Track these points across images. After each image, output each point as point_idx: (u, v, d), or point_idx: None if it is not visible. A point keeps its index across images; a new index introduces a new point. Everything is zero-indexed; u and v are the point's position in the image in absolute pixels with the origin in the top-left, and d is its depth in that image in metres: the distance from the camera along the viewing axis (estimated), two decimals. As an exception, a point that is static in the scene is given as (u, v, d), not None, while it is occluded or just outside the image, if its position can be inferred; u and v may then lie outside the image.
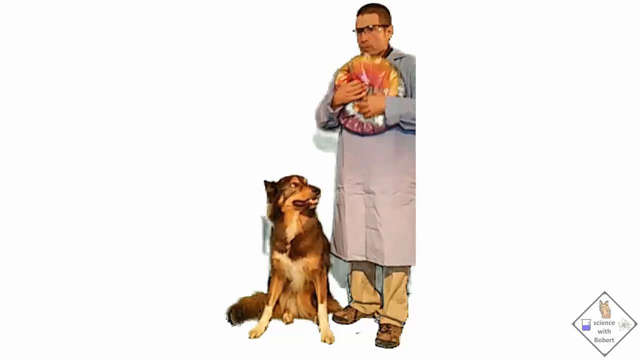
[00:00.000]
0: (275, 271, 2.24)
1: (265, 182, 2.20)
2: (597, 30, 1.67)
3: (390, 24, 2.15)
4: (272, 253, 2.23)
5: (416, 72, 1.95)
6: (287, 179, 2.16)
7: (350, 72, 2.07)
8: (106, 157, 2.26)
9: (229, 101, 2.56)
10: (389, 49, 2.19)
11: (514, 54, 1.73)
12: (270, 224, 2.23)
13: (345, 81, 2.07)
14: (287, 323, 2.30)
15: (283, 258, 2.17)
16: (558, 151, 1.70)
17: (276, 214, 2.14)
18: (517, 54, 1.73)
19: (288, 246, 2.15)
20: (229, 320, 2.24)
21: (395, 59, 2.11)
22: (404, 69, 2.06)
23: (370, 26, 2.07)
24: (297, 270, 2.18)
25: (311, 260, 2.17)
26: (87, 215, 2.18)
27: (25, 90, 2.14)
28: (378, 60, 2.02)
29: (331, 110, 2.10)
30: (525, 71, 1.72)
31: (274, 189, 2.17)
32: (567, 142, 1.70)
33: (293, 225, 2.13)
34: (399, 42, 2.21)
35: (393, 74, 1.99)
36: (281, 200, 2.12)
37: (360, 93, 2.03)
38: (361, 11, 2.12)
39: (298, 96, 2.56)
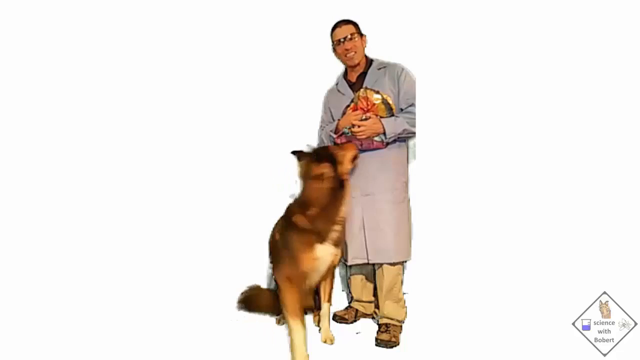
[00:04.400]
0: (298, 279, 1.86)
1: (301, 151, 2.02)
2: (594, 36, 1.68)
3: (363, 35, 2.25)
4: (307, 252, 1.82)
5: (411, 77, 2.15)
6: (323, 151, 1.96)
7: (354, 103, 2.18)
8: (107, 157, 2.25)
9: (228, 105, 2.55)
10: (369, 61, 2.28)
11: (507, 56, 1.74)
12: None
13: (351, 110, 2.17)
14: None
15: (325, 250, 1.87)
16: (557, 150, 1.70)
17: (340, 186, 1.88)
18: (511, 57, 1.74)
19: (338, 227, 1.89)
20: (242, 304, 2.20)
21: (379, 69, 2.22)
22: (390, 76, 2.18)
23: (349, 35, 2.18)
24: (331, 262, 1.94)
25: (339, 252, 1.99)
26: (89, 212, 2.18)
27: (27, 92, 2.13)
28: (363, 93, 2.12)
29: (334, 136, 2.20)
30: (518, 71, 1.73)
31: (317, 156, 1.94)
32: (566, 141, 1.70)
33: (348, 196, 1.93)
34: (398, 50, 2.27)
35: (376, 100, 2.09)
36: (340, 168, 1.90)
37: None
38: (336, 26, 2.23)
39: (296, 101, 2.58)
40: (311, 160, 1.94)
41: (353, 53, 2.19)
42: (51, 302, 2.02)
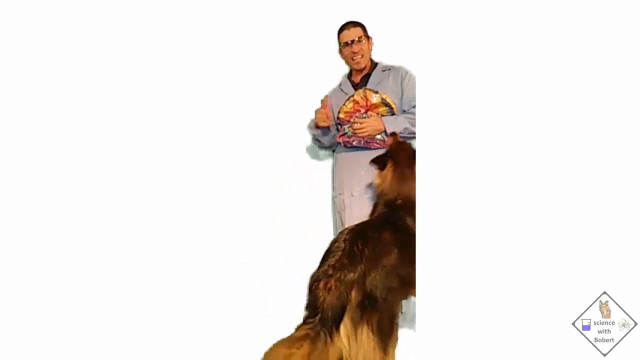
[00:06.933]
0: None
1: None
2: (598, 38, 1.68)
3: (370, 37, 2.28)
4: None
5: (414, 79, 2.12)
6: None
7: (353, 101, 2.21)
8: (104, 157, 2.25)
9: (227, 106, 2.56)
10: (374, 63, 2.29)
11: (509, 58, 1.74)
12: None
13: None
14: None
15: None
16: (557, 151, 1.70)
17: None
18: (514, 59, 1.74)
19: None
20: None
21: (383, 70, 2.25)
22: (394, 79, 2.20)
23: (357, 38, 2.18)
24: None
25: None
26: (84, 214, 2.18)
27: (24, 91, 2.14)
28: (362, 92, 2.17)
29: (314, 132, 2.26)
30: (521, 74, 1.73)
31: None
32: (566, 142, 1.70)
33: None
34: (397, 51, 2.28)
35: (376, 99, 2.12)
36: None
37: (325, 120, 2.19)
38: (343, 28, 2.23)
39: (296, 101, 2.58)
40: (409, 157, 1.94)
41: (360, 56, 2.21)
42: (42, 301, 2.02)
